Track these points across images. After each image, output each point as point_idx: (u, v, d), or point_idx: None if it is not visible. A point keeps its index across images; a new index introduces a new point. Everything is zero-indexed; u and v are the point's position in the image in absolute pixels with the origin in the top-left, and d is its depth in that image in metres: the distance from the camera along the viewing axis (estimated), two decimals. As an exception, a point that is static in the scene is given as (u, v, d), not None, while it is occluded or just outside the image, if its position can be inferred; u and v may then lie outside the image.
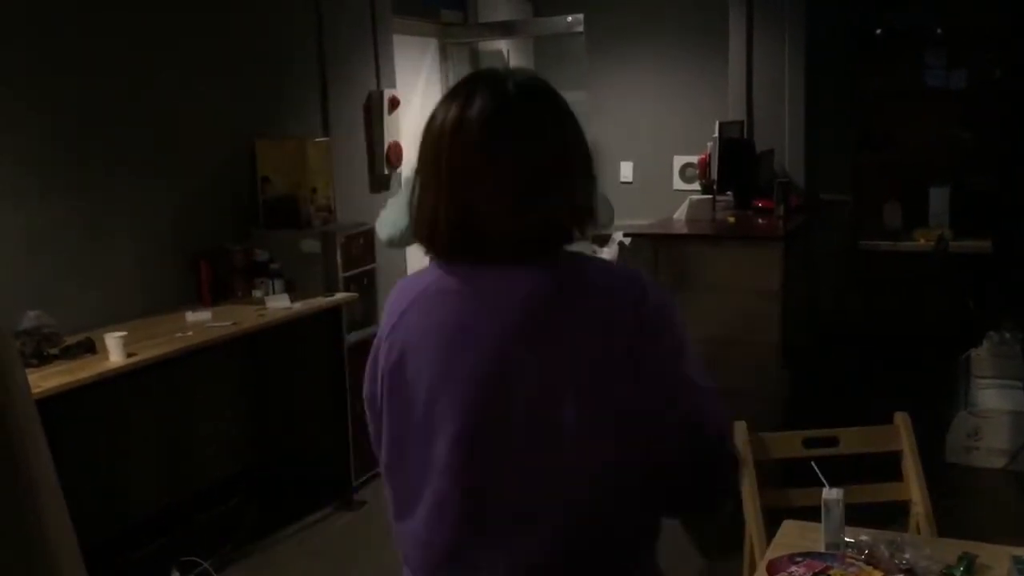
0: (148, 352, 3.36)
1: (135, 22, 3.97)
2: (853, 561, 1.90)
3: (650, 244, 4.47)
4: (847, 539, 1.98)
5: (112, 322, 3.68)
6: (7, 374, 0.84)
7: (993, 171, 6.31)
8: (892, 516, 2.47)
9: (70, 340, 3.34)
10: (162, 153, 4.10)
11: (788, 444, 2.57)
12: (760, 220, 5.00)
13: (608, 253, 6.66)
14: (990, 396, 4.67)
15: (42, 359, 3.18)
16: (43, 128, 3.62)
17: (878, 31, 6.66)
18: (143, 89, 3.99)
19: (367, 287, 4.59)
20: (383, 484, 1.43)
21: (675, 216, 5.54)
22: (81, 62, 3.74)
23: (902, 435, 2.51)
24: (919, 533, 2.38)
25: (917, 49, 6.58)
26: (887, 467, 2.54)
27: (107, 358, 3.24)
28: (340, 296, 4.30)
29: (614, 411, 1.25)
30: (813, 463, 2.21)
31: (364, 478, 4.53)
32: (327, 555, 3.93)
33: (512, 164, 1.27)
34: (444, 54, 6.55)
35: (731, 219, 5.05)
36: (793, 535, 2.10)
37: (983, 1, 6.34)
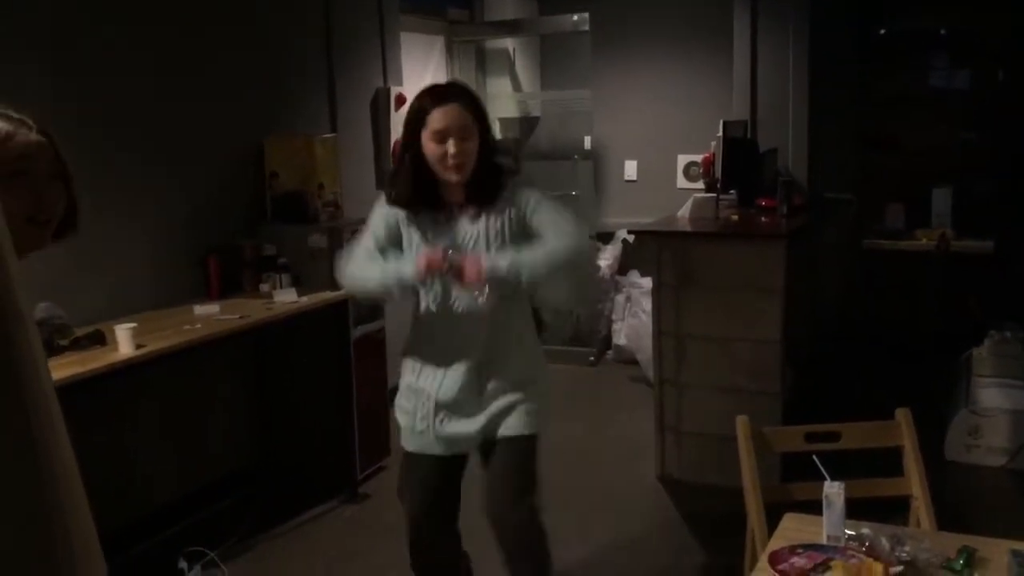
0: (157, 344, 3.39)
1: (147, 21, 4.00)
2: (854, 553, 1.93)
3: (654, 242, 4.50)
4: (848, 532, 2.01)
5: (122, 315, 3.72)
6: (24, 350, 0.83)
7: (995, 172, 6.34)
8: (893, 511, 2.49)
9: (80, 332, 3.37)
10: (173, 149, 4.14)
11: (790, 439, 2.60)
12: (763, 219, 5.03)
13: (611, 251, 6.70)
14: (991, 395, 4.69)
15: (52, 350, 3.20)
16: (54, 124, 3.65)
17: (882, 32, 6.70)
18: (155, 86, 4.03)
19: (373, 282, 4.62)
20: None
21: (679, 214, 5.56)
22: (93, 62, 3.77)
23: (903, 431, 2.53)
24: (919, 527, 2.41)
25: (921, 51, 6.61)
26: (888, 462, 2.56)
27: (116, 349, 3.28)
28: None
29: None
30: (815, 457, 2.23)
31: (369, 471, 4.57)
32: (332, 547, 3.97)
33: None
34: (450, 52, 6.58)
35: (734, 217, 5.07)
36: (794, 528, 2.12)
37: (986, 3, 6.37)
